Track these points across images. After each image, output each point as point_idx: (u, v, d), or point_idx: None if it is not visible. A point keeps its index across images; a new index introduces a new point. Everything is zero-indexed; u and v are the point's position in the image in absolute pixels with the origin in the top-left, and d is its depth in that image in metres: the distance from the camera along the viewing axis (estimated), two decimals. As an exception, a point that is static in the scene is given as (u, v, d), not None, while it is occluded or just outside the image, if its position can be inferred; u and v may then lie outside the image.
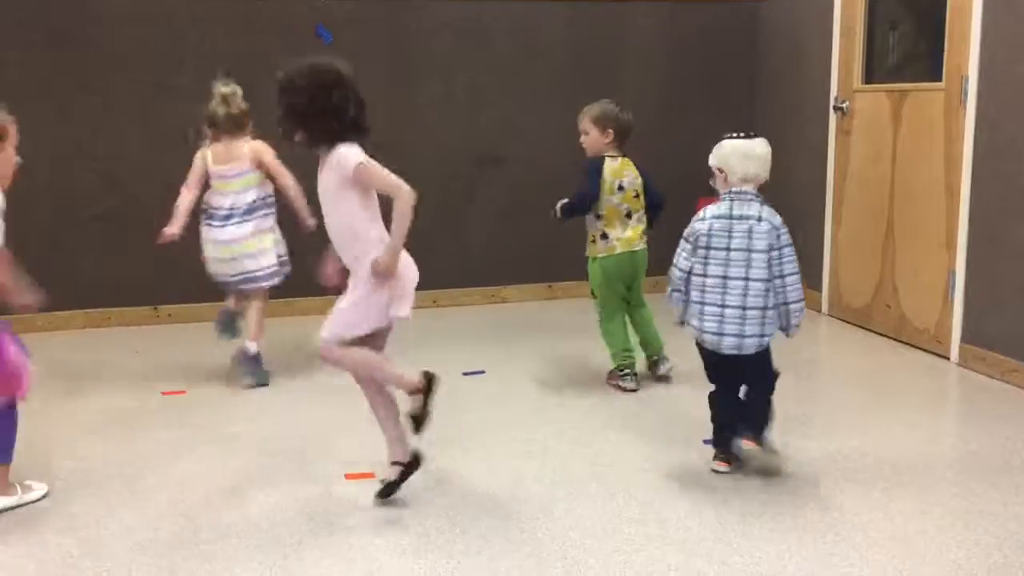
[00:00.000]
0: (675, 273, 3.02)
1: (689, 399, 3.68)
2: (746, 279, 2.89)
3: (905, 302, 4.52)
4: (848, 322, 4.94)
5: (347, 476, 3.06)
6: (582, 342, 4.54)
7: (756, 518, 2.77)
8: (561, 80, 5.42)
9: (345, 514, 2.82)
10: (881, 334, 4.67)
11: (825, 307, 5.13)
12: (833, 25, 4.90)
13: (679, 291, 3.02)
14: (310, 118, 2.69)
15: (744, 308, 2.89)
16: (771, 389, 3.05)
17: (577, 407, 3.73)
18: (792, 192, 5.32)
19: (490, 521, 2.76)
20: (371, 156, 2.73)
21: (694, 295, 2.98)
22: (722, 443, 3.08)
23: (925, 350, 4.38)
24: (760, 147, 2.96)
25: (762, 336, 2.92)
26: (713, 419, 3.11)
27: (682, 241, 3.02)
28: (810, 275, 5.20)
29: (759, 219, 2.91)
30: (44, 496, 2.92)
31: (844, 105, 4.84)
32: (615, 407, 3.71)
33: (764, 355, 2.99)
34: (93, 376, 4.12)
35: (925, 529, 2.70)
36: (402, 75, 5.16)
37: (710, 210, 2.98)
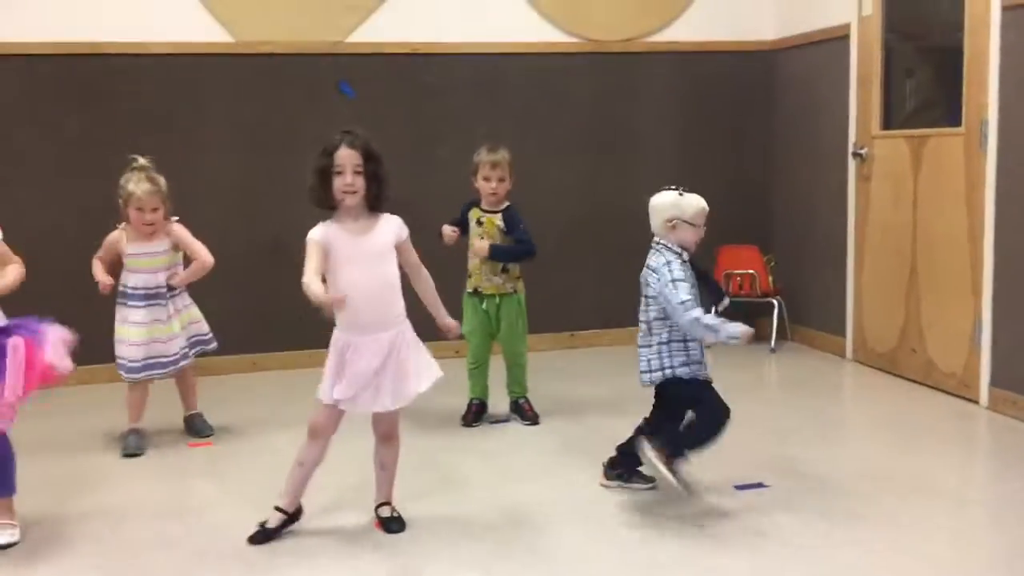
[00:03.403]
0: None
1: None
2: (643, 321, 3.19)
3: (931, 346, 4.50)
4: (873, 367, 4.91)
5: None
6: (605, 389, 4.54)
7: (791, 564, 2.73)
8: (578, 130, 5.48)
9: (379, 560, 2.79)
10: (908, 379, 4.64)
11: (849, 352, 5.11)
12: (850, 73, 4.95)
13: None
14: (383, 184, 2.87)
15: (647, 346, 3.16)
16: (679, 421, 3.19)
17: (606, 452, 3.70)
18: (814, 239, 5.34)
19: (524, 570, 2.73)
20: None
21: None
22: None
23: (953, 394, 4.34)
24: (657, 200, 3.22)
25: (651, 371, 3.16)
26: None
27: None
28: (833, 321, 5.19)
29: (655, 270, 3.14)
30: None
31: (863, 151, 4.87)
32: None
33: (673, 388, 3.16)
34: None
35: (965, 569, 2.66)
36: (422, 129, 5.23)
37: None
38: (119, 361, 3.83)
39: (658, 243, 3.18)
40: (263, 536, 2.93)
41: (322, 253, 2.84)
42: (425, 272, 3.03)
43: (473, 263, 4.06)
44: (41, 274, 4.81)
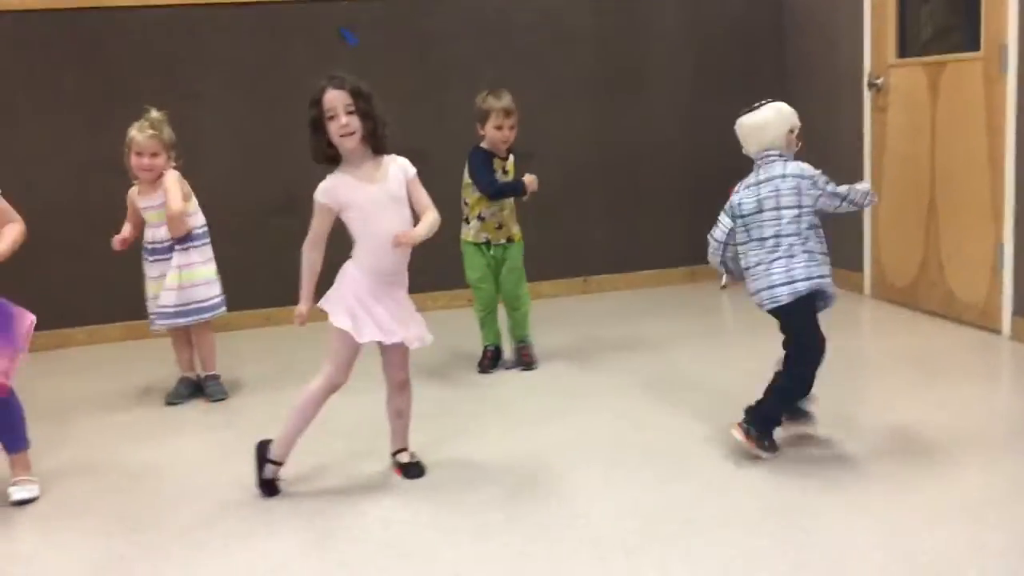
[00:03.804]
0: (711, 243, 3.08)
1: (728, 382, 3.62)
2: (777, 236, 2.91)
3: (952, 278, 4.43)
4: (893, 302, 4.85)
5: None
6: (620, 332, 4.51)
7: (817, 494, 2.70)
8: (588, 73, 5.38)
9: (399, 506, 2.78)
10: (928, 312, 4.58)
11: (868, 288, 5.04)
12: (863, 1, 4.82)
13: (721, 262, 3.09)
14: (380, 124, 2.77)
15: (791, 256, 2.88)
16: (803, 362, 2.96)
17: (622, 394, 3.67)
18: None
19: (545, 510, 2.71)
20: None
21: (744, 262, 2.99)
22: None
23: (975, 326, 4.28)
24: (760, 116, 3.03)
25: (803, 280, 2.87)
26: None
27: (721, 215, 3.06)
28: (851, 257, 5.11)
29: (783, 176, 2.95)
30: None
31: (879, 81, 4.76)
32: (662, 391, 3.65)
33: (799, 315, 2.92)
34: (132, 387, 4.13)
35: (992, 499, 2.62)
36: (428, 75, 5.14)
37: (742, 183, 3.05)
38: (149, 315, 3.87)
39: (778, 155, 2.98)
40: (270, 490, 2.89)
41: (329, 215, 2.80)
42: (435, 214, 2.87)
43: (504, 214, 3.98)
44: (40, 233, 4.79)
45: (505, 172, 3.96)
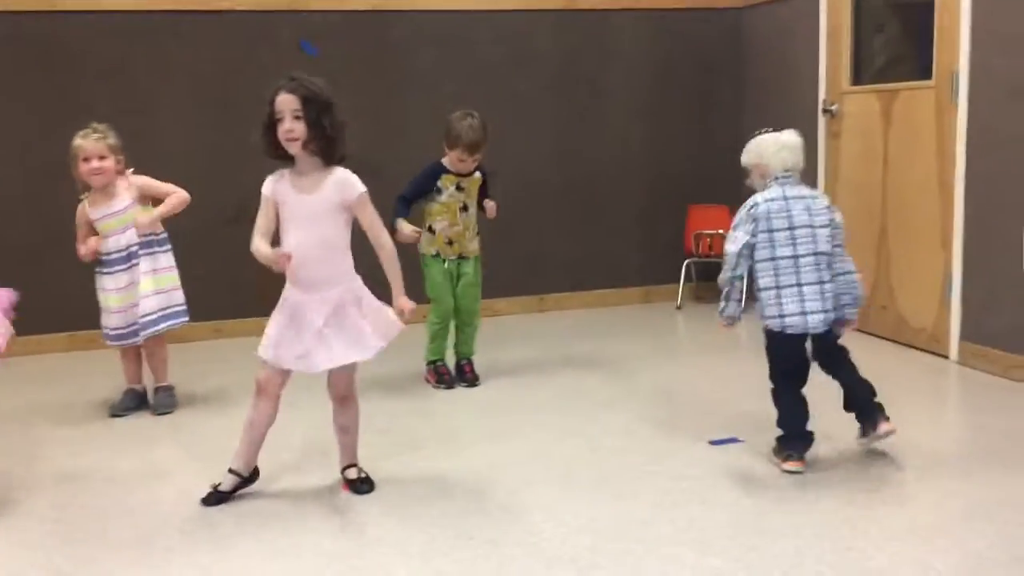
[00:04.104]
0: (728, 258, 2.98)
1: (683, 401, 3.63)
2: (815, 254, 2.93)
3: (901, 303, 4.49)
4: (844, 326, 4.90)
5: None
6: (575, 350, 4.50)
7: (768, 513, 2.71)
8: (548, 92, 5.40)
9: (348, 522, 2.73)
10: (878, 336, 4.64)
11: (820, 312, 5.09)
12: (819, 29, 4.90)
13: (738, 277, 2.98)
14: (330, 134, 2.72)
15: (821, 283, 2.93)
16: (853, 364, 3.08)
17: (577, 411, 3.66)
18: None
19: (497, 526, 2.68)
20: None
21: (765, 281, 2.95)
22: (798, 441, 3.01)
23: (924, 350, 4.34)
24: (793, 137, 3.04)
25: (831, 311, 2.96)
26: (787, 419, 3.03)
27: (738, 225, 2.98)
28: (803, 280, 5.16)
29: (814, 197, 3.00)
30: None
31: (833, 108, 4.83)
32: (616, 410, 3.64)
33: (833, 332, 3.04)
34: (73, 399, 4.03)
35: (943, 521, 2.65)
36: (388, 88, 5.12)
37: (761, 196, 2.99)
38: (103, 330, 3.77)
39: (794, 178, 2.99)
40: (216, 498, 2.85)
41: (272, 208, 2.80)
42: (386, 238, 2.83)
43: (456, 230, 3.95)
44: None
45: (460, 189, 3.94)
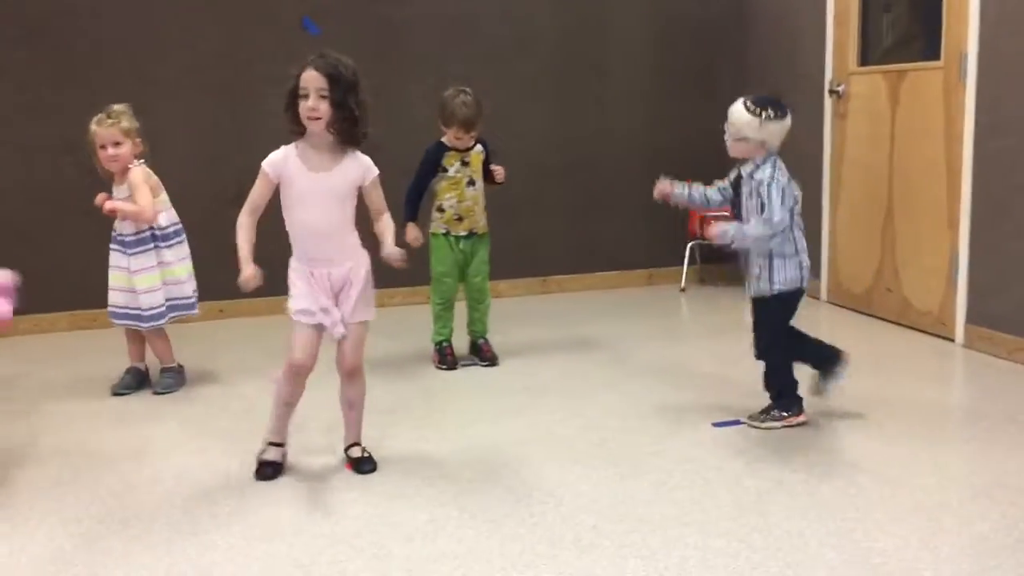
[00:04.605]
0: (786, 221, 3.09)
1: (687, 383, 3.62)
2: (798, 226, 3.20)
3: (907, 285, 4.47)
4: (848, 308, 4.88)
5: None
6: (578, 332, 4.48)
7: (772, 496, 2.69)
8: (550, 72, 5.36)
9: (350, 501, 2.73)
10: (883, 319, 4.62)
11: (824, 294, 5.07)
12: (826, 8, 4.86)
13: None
14: (354, 116, 2.71)
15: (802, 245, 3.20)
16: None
17: (580, 393, 3.64)
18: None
19: (500, 506, 2.67)
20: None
21: (789, 249, 3.13)
22: (796, 397, 3.24)
23: (929, 333, 4.32)
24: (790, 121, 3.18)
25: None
26: (789, 378, 3.24)
27: (783, 194, 3.08)
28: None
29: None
30: None
31: (840, 88, 4.79)
32: (619, 391, 3.63)
33: None
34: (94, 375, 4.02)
35: (947, 502, 2.63)
36: (389, 69, 5.08)
37: (781, 174, 3.12)
38: (108, 307, 3.78)
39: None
40: (273, 470, 2.87)
41: (269, 186, 2.78)
42: (387, 218, 2.87)
43: (465, 205, 3.94)
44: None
45: (465, 164, 3.93)
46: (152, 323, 3.71)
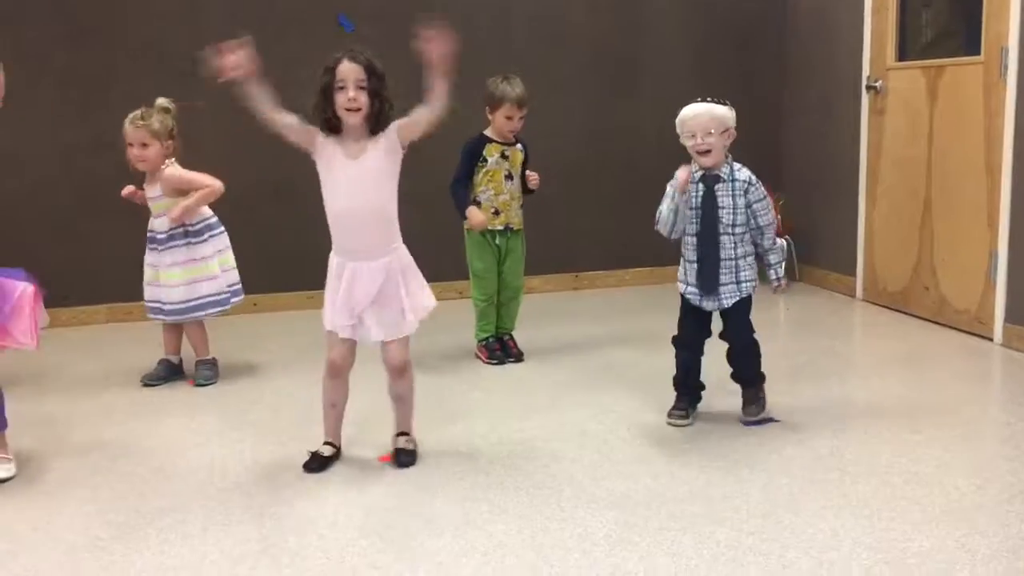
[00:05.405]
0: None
1: (719, 380, 3.60)
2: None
3: (944, 283, 4.41)
4: (884, 306, 4.82)
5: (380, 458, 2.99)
6: (611, 329, 4.47)
7: (806, 495, 2.67)
8: (584, 70, 5.34)
9: (382, 494, 2.74)
10: (919, 317, 4.56)
11: (860, 292, 5.01)
12: (864, 3, 4.80)
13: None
14: (386, 103, 2.74)
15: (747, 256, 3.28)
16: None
17: (611, 389, 3.63)
18: (825, 176, 5.21)
19: (531, 501, 2.67)
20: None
21: (751, 246, 3.22)
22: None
23: (967, 332, 4.26)
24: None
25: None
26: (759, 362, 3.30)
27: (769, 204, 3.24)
28: (843, 260, 5.09)
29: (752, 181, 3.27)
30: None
31: (877, 84, 4.74)
32: (652, 388, 3.61)
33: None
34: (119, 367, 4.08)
35: (983, 503, 2.60)
36: (421, 68, 5.07)
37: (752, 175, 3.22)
38: (145, 301, 3.84)
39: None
40: (319, 464, 2.90)
41: (305, 133, 2.78)
42: (437, 104, 2.77)
43: (502, 199, 3.94)
44: (26, 213, 4.72)
45: (505, 157, 3.93)
46: (174, 317, 3.75)
